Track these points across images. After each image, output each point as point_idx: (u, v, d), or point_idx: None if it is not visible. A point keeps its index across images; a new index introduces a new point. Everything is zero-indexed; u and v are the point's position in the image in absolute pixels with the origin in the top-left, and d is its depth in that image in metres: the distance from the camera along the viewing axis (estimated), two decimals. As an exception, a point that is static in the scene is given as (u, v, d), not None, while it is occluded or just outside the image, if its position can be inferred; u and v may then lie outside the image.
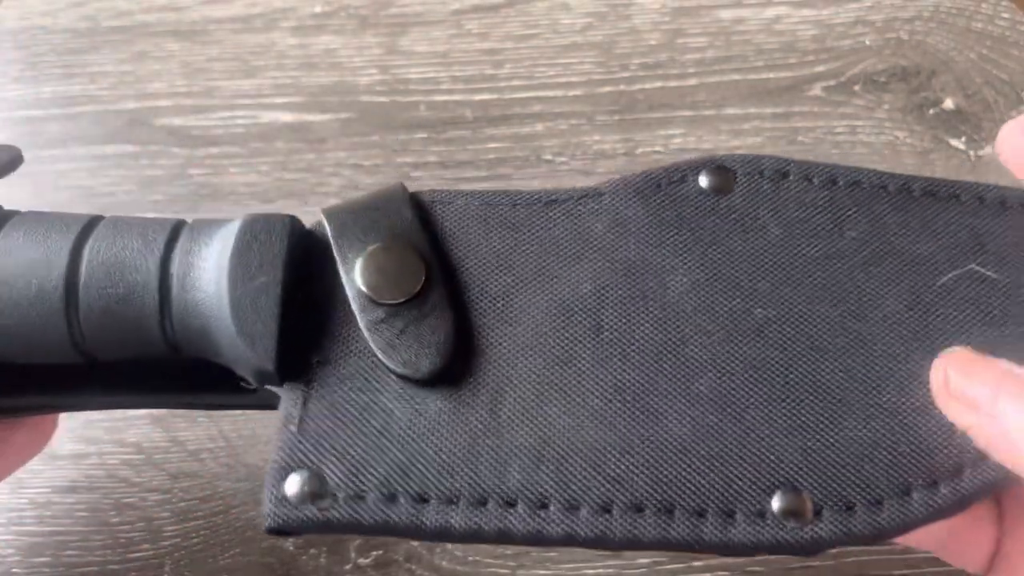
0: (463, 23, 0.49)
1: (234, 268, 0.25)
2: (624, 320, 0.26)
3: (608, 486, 0.23)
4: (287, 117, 0.47)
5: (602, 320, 0.26)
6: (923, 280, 0.26)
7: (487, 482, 0.23)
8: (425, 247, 0.26)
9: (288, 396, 0.25)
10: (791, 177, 0.28)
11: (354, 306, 0.26)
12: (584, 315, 0.26)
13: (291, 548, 0.37)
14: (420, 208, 0.27)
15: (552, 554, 0.37)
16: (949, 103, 0.46)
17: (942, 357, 0.25)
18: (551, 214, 0.27)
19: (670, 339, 0.25)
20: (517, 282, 0.27)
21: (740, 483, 0.23)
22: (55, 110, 0.47)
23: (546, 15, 0.49)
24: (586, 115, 0.47)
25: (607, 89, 0.47)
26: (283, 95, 0.47)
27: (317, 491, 0.23)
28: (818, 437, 0.24)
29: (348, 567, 0.37)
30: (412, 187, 0.28)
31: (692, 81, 0.47)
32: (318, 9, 0.49)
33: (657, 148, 0.46)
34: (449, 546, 0.37)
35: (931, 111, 0.46)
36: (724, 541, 0.23)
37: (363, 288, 0.26)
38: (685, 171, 0.28)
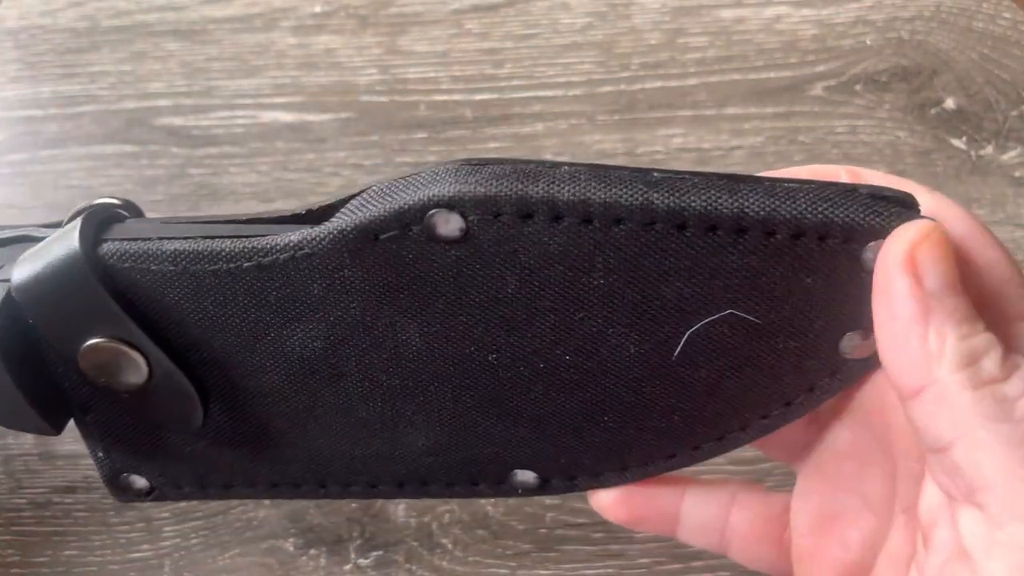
0: (463, 23, 0.49)
1: None
2: (362, 369, 0.25)
3: (372, 477, 0.28)
4: (287, 117, 0.47)
5: (341, 369, 0.25)
6: (666, 332, 0.24)
7: (273, 478, 0.28)
8: (134, 332, 0.24)
9: (83, 432, 0.27)
10: (535, 219, 0.22)
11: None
12: (322, 366, 0.25)
13: (291, 548, 0.37)
14: (111, 277, 0.24)
15: (553, 554, 0.37)
16: (950, 103, 0.46)
17: (924, 221, 0.21)
18: (261, 278, 0.24)
19: (408, 383, 0.25)
20: (245, 343, 0.25)
21: (481, 468, 0.27)
22: (54, 110, 0.47)
23: (546, 15, 0.49)
24: (586, 115, 0.47)
25: (607, 89, 0.47)
26: (283, 95, 0.47)
27: (141, 486, 0.28)
28: (549, 443, 0.27)
29: (348, 567, 0.37)
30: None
31: (692, 81, 0.47)
32: (318, 9, 0.49)
33: (657, 148, 0.46)
34: (449, 546, 0.37)
35: (932, 111, 0.46)
36: (470, 495, 0.28)
37: (92, 382, 0.25)
38: (407, 220, 0.22)
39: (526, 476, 0.27)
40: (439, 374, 0.25)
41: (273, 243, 0.23)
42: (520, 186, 0.22)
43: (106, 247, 0.24)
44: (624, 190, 0.22)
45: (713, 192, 0.22)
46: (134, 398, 0.25)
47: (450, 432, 0.26)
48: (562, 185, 0.22)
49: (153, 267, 0.24)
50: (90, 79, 0.48)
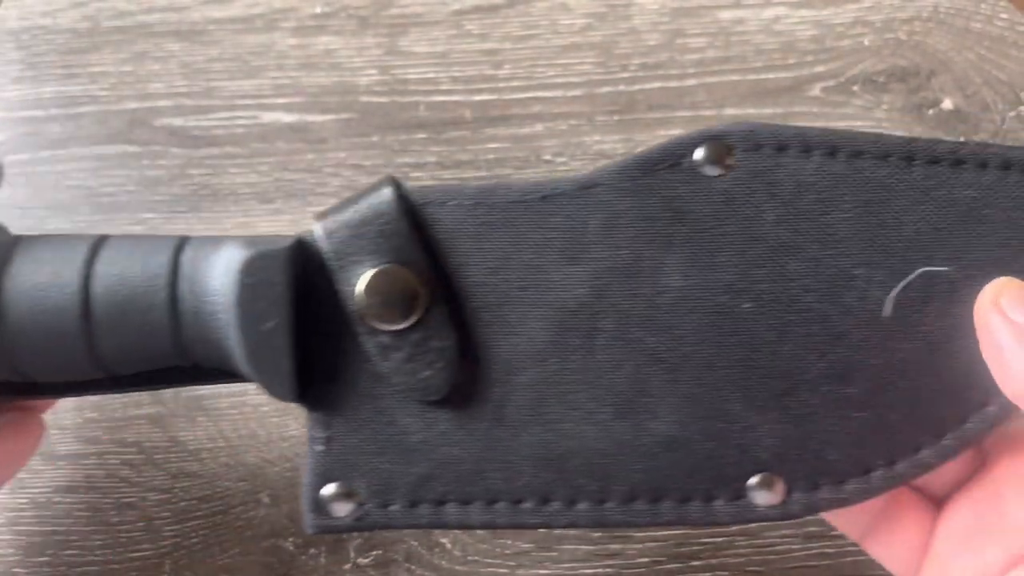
0: (463, 24, 0.49)
1: (241, 316, 0.26)
2: (618, 325, 0.26)
3: (604, 483, 0.26)
4: (287, 117, 0.47)
5: (597, 326, 0.26)
6: (909, 265, 0.26)
7: (497, 487, 0.27)
8: (423, 264, 0.26)
9: (311, 417, 0.27)
10: (790, 151, 0.26)
11: (359, 331, 0.26)
12: (580, 321, 0.26)
13: (291, 548, 0.38)
14: (413, 213, 0.27)
15: (552, 553, 0.37)
16: (948, 103, 0.46)
17: (1001, 279, 0.26)
18: (547, 210, 0.27)
19: (661, 342, 0.26)
20: (516, 288, 0.26)
21: (721, 472, 0.26)
22: (56, 110, 0.48)
23: (546, 15, 0.49)
24: (586, 115, 0.47)
25: (607, 89, 0.47)
26: (283, 95, 0.48)
27: (349, 503, 0.27)
28: (792, 426, 0.26)
29: (347, 567, 0.37)
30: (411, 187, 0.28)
31: (692, 81, 0.47)
32: (318, 10, 0.49)
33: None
34: (448, 546, 0.37)
35: (930, 111, 0.46)
36: (706, 520, 0.27)
37: (365, 317, 0.26)
38: (681, 150, 0.27)
39: (766, 494, 0.26)
40: (693, 329, 0.26)
41: (560, 180, 0.27)
42: (776, 126, 0.26)
43: (410, 188, 0.27)
44: (860, 133, 0.26)
45: (934, 139, 0.26)
46: (394, 344, 0.26)
47: (695, 414, 0.26)
48: (809, 129, 0.26)
49: (451, 202, 0.27)
50: (91, 80, 0.48)
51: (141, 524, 0.39)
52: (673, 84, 0.47)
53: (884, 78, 0.47)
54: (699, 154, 0.27)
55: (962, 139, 0.27)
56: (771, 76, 0.47)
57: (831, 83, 0.47)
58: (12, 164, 0.46)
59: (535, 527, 0.27)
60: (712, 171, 0.26)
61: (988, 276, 0.26)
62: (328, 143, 0.46)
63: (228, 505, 0.38)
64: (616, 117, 0.47)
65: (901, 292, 0.26)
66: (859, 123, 0.46)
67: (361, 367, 0.27)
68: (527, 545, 0.37)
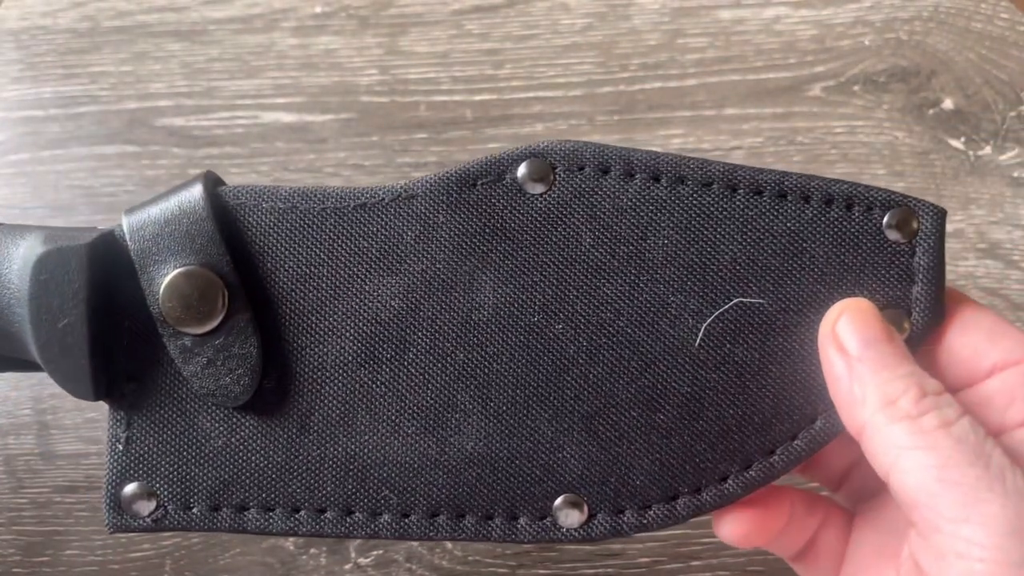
0: (463, 23, 0.49)
1: (34, 313, 0.25)
2: (430, 339, 0.26)
3: (407, 497, 0.26)
4: (287, 117, 0.47)
5: (409, 339, 0.26)
6: (725, 295, 0.26)
7: (299, 495, 0.26)
8: (228, 267, 0.25)
9: (112, 415, 0.27)
10: (612, 173, 0.26)
11: (161, 332, 0.26)
12: (392, 333, 0.26)
13: (291, 548, 0.38)
14: (224, 213, 0.26)
15: (552, 553, 0.37)
16: (948, 103, 0.46)
17: (847, 300, 0.26)
18: (361, 219, 0.26)
19: (472, 358, 0.26)
20: (327, 297, 0.26)
21: (525, 491, 0.26)
22: (55, 110, 0.48)
23: (546, 15, 0.49)
24: (586, 115, 0.47)
25: (607, 89, 0.47)
26: (283, 95, 0.48)
27: (148, 503, 0.26)
28: (599, 448, 0.26)
29: (348, 567, 0.37)
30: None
31: (692, 81, 0.47)
32: (318, 9, 0.49)
33: (657, 148, 0.46)
34: (449, 546, 0.37)
35: (930, 111, 0.46)
36: (509, 538, 0.27)
37: (167, 318, 0.25)
38: (503, 166, 0.26)
39: (570, 514, 0.26)
40: (505, 346, 0.26)
41: (379, 188, 0.26)
42: (600, 146, 0.26)
43: (224, 188, 0.27)
44: (686, 158, 0.26)
45: (759, 168, 0.26)
46: (195, 348, 0.25)
47: (503, 433, 0.26)
48: (634, 151, 0.26)
49: (265, 204, 0.27)
50: (91, 79, 0.48)
51: (141, 524, 0.39)
52: (673, 84, 0.47)
53: (884, 78, 0.47)
54: (521, 171, 0.26)
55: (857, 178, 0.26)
56: (771, 76, 0.47)
57: (831, 83, 0.47)
58: (12, 164, 0.46)
59: (337, 536, 0.27)
60: (534, 189, 0.26)
61: (803, 310, 0.26)
62: (328, 143, 0.46)
63: (228, 505, 0.38)
64: (616, 117, 0.47)
65: (714, 322, 0.26)
66: (859, 123, 0.46)
67: (165, 368, 0.26)
68: (527, 545, 0.37)
